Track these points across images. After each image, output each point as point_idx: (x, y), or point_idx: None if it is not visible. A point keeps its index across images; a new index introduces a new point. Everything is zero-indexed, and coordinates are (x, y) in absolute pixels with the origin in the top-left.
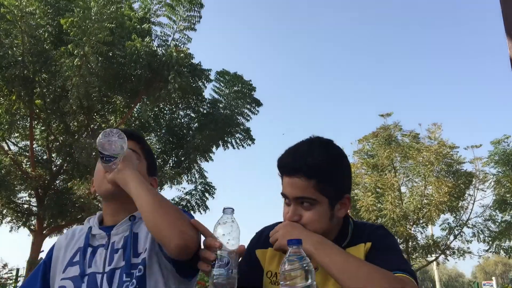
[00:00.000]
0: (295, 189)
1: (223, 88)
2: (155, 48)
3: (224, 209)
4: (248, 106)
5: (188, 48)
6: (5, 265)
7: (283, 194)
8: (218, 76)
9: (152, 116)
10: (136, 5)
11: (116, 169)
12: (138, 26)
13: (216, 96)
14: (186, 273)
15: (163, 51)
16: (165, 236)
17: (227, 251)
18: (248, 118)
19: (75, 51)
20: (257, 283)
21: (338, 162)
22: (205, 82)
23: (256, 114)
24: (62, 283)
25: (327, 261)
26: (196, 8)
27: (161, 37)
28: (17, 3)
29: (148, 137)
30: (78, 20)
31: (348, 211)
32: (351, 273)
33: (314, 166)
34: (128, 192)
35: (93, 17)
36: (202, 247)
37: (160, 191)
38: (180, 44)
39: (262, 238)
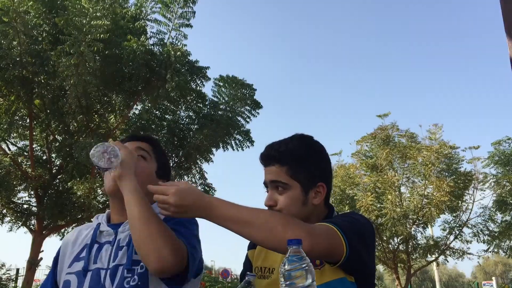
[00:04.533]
0: (270, 175)
1: (223, 89)
2: (151, 47)
3: None
4: (248, 108)
5: (185, 45)
6: (2, 266)
7: (264, 183)
8: (218, 81)
9: (152, 117)
10: (130, 3)
11: (116, 171)
12: (131, 25)
13: (215, 99)
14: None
15: (160, 49)
16: (143, 256)
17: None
18: (248, 120)
19: (72, 50)
20: None
21: (311, 151)
22: (203, 80)
23: (256, 116)
24: (67, 277)
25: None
26: (189, 4)
27: (156, 35)
28: (10, 4)
29: None
30: (72, 18)
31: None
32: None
33: (286, 153)
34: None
35: (87, 15)
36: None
37: None
38: (176, 42)
39: None
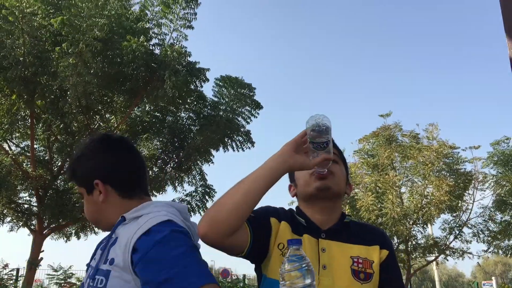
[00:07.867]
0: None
1: (223, 90)
2: (152, 47)
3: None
4: (248, 108)
5: (186, 47)
6: (5, 265)
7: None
8: (218, 81)
9: (152, 118)
10: (133, 4)
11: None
12: (134, 26)
13: (216, 99)
14: None
15: (160, 49)
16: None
17: None
18: (249, 121)
19: (70, 50)
20: (263, 244)
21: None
22: (202, 82)
23: (256, 117)
24: None
25: None
26: (192, 5)
27: (157, 36)
28: (17, 4)
29: (149, 138)
30: (68, 18)
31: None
32: None
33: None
34: None
35: (83, 14)
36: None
37: (162, 193)
38: (176, 42)
39: (278, 212)
